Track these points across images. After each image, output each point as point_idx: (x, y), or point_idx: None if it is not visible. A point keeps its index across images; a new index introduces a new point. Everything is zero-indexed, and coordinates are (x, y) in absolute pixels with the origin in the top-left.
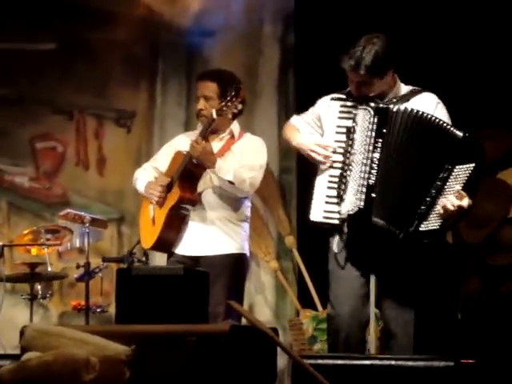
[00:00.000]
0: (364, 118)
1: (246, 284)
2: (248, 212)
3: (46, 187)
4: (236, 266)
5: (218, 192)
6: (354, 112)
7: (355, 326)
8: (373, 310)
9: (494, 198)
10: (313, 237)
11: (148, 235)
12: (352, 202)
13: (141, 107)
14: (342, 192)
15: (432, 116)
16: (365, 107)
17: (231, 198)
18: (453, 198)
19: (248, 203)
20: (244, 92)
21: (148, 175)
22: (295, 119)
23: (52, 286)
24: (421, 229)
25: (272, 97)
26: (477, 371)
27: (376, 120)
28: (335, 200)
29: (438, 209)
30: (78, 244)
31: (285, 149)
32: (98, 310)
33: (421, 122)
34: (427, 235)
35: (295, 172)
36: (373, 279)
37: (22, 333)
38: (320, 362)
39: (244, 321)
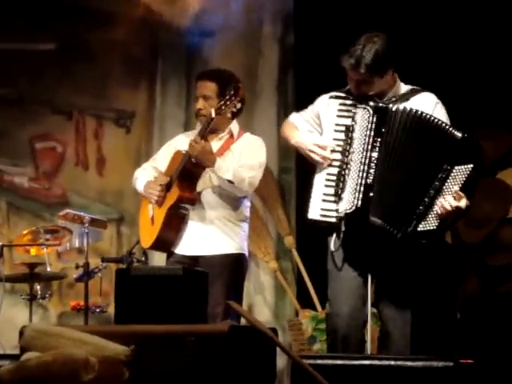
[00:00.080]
0: (363, 117)
1: (245, 284)
2: (247, 212)
3: (46, 187)
4: (235, 266)
5: (217, 191)
6: (354, 111)
7: (354, 325)
8: (369, 310)
9: (494, 198)
10: (312, 237)
11: (147, 235)
12: (350, 200)
13: (140, 107)
14: (339, 190)
15: (431, 116)
16: (364, 106)
17: (230, 198)
18: (451, 198)
19: (247, 203)
20: (243, 91)
21: (147, 175)
22: (294, 117)
23: (51, 286)
24: (419, 229)
25: (271, 97)
26: (476, 371)
27: (375, 119)
28: (333, 198)
29: (436, 209)
30: (77, 244)
31: (284, 149)
32: (97, 310)
33: (420, 121)
34: (425, 235)
35: (294, 172)
36: (369, 279)
37: (21, 333)
38: (319, 362)
39: (243, 321)
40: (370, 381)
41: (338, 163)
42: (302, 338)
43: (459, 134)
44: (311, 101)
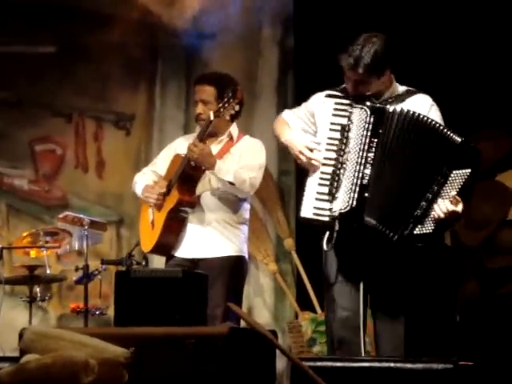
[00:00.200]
0: (360, 117)
1: (245, 286)
2: (247, 214)
3: (46, 190)
4: (235, 269)
5: (216, 194)
6: (350, 110)
7: (352, 328)
8: (361, 313)
9: (493, 200)
10: (312, 239)
11: (147, 239)
12: (345, 200)
13: (140, 110)
14: (334, 190)
15: (429, 118)
16: (361, 106)
17: (230, 200)
18: (448, 203)
19: (247, 205)
20: (241, 93)
21: (147, 179)
22: (286, 114)
23: (51, 289)
24: (415, 232)
25: (271, 99)
26: (475, 373)
27: (372, 119)
28: (326, 197)
29: (434, 213)
30: (76, 246)
31: (284, 151)
32: (97, 312)
33: (418, 123)
34: (421, 239)
35: (294, 174)
36: (361, 285)
37: (20, 335)
38: (319, 364)
39: (243, 323)
40: (369, 383)
41: (332, 162)
42: (301, 340)
43: (459, 139)
44: None
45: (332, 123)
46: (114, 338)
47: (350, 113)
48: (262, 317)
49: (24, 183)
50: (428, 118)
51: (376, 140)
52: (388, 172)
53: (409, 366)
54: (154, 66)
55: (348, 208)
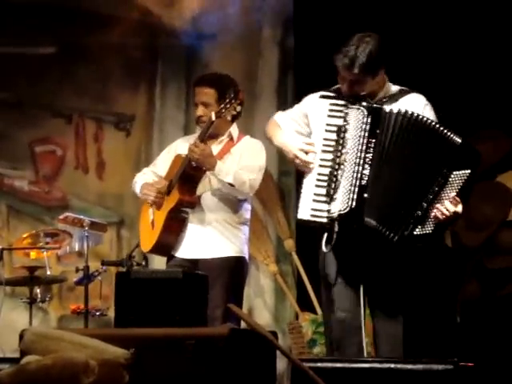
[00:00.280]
0: (357, 118)
1: (245, 287)
2: (248, 215)
3: (46, 191)
4: (235, 269)
5: (217, 194)
6: (346, 111)
7: (350, 329)
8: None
9: (493, 201)
10: (312, 240)
11: (147, 238)
12: (344, 201)
13: (140, 110)
14: (332, 191)
15: (428, 119)
16: (358, 107)
17: (230, 201)
18: (448, 203)
19: (248, 206)
20: (242, 94)
21: (147, 179)
22: (279, 116)
23: (51, 290)
24: (415, 232)
25: (271, 99)
26: (476, 374)
27: (369, 120)
28: (324, 198)
29: (434, 214)
30: (77, 247)
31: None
32: (97, 313)
33: (416, 123)
34: (421, 239)
35: (294, 175)
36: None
37: (21, 336)
38: (319, 365)
39: (243, 324)
40: None
41: (329, 163)
42: (301, 341)
43: (459, 140)
44: None
45: (328, 124)
46: (114, 339)
47: (346, 113)
48: (263, 318)
49: (24, 184)
50: (427, 118)
51: (374, 140)
52: (386, 172)
53: (409, 366)
54: (154, 66)
55: (347, 209)
